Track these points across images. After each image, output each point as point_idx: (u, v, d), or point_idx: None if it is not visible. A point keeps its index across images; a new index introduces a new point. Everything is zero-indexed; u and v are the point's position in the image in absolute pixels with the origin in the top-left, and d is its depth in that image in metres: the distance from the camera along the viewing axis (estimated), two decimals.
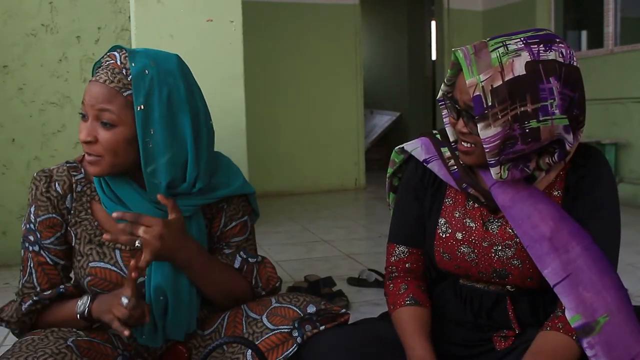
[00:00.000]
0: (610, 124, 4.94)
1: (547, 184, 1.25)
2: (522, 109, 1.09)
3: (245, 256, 1.43)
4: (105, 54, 1.30)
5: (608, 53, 5.07)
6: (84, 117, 1.28)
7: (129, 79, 1.24)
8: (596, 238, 1.19)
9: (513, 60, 1.09)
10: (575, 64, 1.13)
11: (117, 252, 1.34)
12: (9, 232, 3.27)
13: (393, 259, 1.39)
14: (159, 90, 1.25)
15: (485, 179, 1.25)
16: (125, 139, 1.25)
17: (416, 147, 1.35)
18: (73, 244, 1.36)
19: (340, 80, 6.05)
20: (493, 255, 1.25)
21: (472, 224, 1.28)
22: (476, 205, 1.28)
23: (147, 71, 1.24)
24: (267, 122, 5.67)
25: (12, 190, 3.24)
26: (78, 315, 1.30)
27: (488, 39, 1.15)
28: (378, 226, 4.16)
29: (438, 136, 1.35)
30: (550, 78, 1.09)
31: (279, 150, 5.82)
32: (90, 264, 1.34)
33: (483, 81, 1.09)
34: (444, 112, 1.26)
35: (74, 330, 1.32)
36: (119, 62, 1.26)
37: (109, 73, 1.25)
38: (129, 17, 3.31)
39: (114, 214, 1.24)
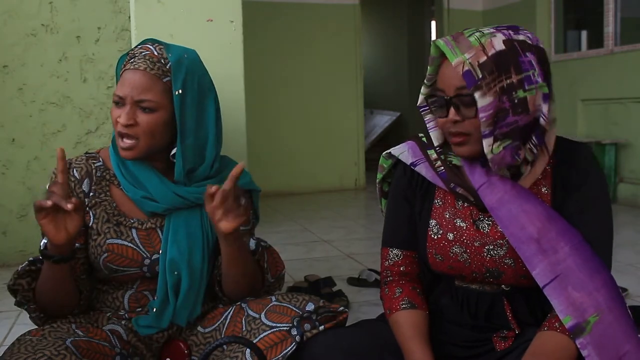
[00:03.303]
0: (610, 124, 4.94)
1: (534, 179, 1.25)
2: (508, 81, 1.13)
3: (257, 239, 1.49)
4: (136, 46, 1.40)
5: (608, 53, 5.07)
6: (118, 103, 1.36)
7: (168, 67, 1.36)
8: (589, 235, 1.19)
9: (491, 40, 1.15)
10: (542, 46, 1.20)
11: (134, 230, 1.42)
12: (9, 232, 3.27)
13: (387, 263, 1.39)
14: (192, 78, 1.38)
15: (472, 180, 1.25)
16: (164, 121, 1.36)
17: (403, 151, 1.36)
18: (90, 224, 1.41)
19: (340, 80, 6.04)
20: (485, 254, 1.25)
21: (462, 224, 1.28)
22: (466, 204, 1.29)
23: (182, 60, 1.38)
24: (267, 122, 5.67)
25: (12, 190, 3.24)
26: (42, 255, 1.29)
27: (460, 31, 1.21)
28: (378, 226, 4.15)
29: (424, 139, 1.36)
30: (527, 53, 1.16)
31: (279, 150, 5.82)
32: (108, 241, 1.39)
33: (469, 58, 1.13)
34: (427, 117, 1.28)
35: (73, 329, 1.33)
36: (155, 53, 1.37)
37: (148, 62, 1.36)
38: (129, 17, 3.30)
39: (211, 189, 1.26)
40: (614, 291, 1.14)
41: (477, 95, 1.12)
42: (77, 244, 1.39)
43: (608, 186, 1.27)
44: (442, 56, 1.20)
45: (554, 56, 5.73)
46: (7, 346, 1.27)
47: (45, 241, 1.28)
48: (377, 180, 1.47)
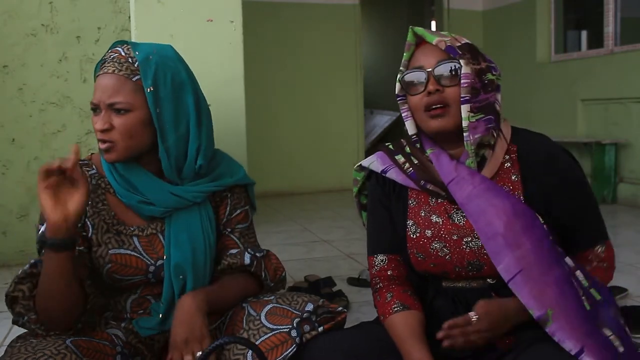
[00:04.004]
0: (610, 124, 4.94)
1: (497, 165, 1.29)
2: (478, 66, 1.27)
3: (253, 252, 1.48)
4: (107, 51, 1.38)
5: (608, 53, 5.07)
6: (95, 110, 1.34)
7: (136, 66, 1.34)
8: (578, 210, 1.29)
9: (459, 36, 1.31)
10: None
11: (135, 238, 1.40)
12: (9, 232, 3.27)
13: (374, 270, 1.41)
14: (163, 73, 1.35)
15: (442, 175, 1.29)
16: (140, 121, 1.33)
17: (373, 161, 1.42)
18: (90, 235, 1.38)
19: (340, 80, 6.05)
20: (464, 247, 1.28)
21: (438, 219, 1.31)
22: (439, 200, 1.33)
23: (150, 57, 1.35)
24: (267, 122, 5.67)
25: (12, 190, 3.24)
26: (38, 241, 1.24)
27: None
28: None
29: (391, 147, 1.42)
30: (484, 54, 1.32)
31: (279, 150, 5.82)
32: (110, 252, 1.37)
33: (448, 39, 1.27)
34: (404, 107, 1.36)
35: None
36: (123, 54, 1.35)
37: (116, 64, 1.34)
38: (129, 17, 3.31)
39: None
40: (565, 287, 1.19)
41: (462, 62, 1.24)
42: (80, 247, 1.36)
43: (579, 163, 1.37)
44: (418, 43, 1.32)
45: (554, 56, 5.73)
46: (7, 346, 1.27)
47: (44, 229, 1.23)
48: (354, 194, 1.51)
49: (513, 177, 1.30)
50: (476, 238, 1.27)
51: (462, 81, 1.23)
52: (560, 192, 1.28)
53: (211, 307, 1.36)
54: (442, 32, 1.32)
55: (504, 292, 1.28)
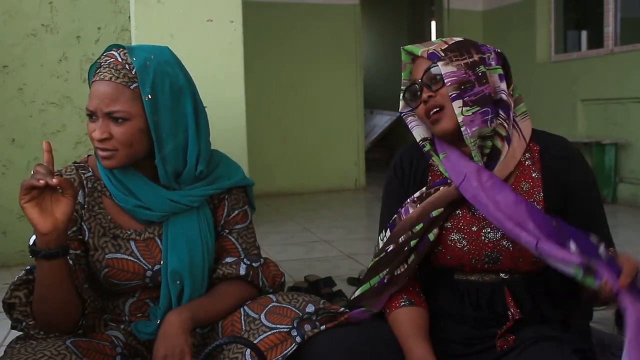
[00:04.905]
0: (610, 124, 4.94)
1: (515, 162, 1.30)
2: (471, 59, 1.30)
3: (249, 262, 1.46)
4: (102, 54, 1.34)
5: (608, 53, 5.07)
6: (91, 117, 1.31)
7: (133, 73, 1.30)
8: (588, 213, 1.29)
9: (452, 37, 1.35)
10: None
11: (132, 242, 1.38)
12: (9, 232, 3.27)
13: None
14: (161, 80, 1.31)
15: (453, 178, 1.30)
16: (139, 130, 1.31)
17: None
18: (86, 239, 1.37)
19: (340, 80, 6.05)
20: (483, 238, 1.29)
21: (458, 212, 1.33)
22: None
23: (148, 63, 1.31)
24: (267, 122, 5.67)
25: (12, 190, 3.24)
26: (30, 252, 1.20)
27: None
28: (378, 226, 4.15)
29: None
30: (483, 47, 1.35)
31: (279, 150, 5.82)
32: (107, 256, 1.36)
33: (433, 46, 1.31)
34: (409, 119, 1.41)
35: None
36: (119, 59, 1.31)
37: (113, 70, 1.30)
38: (129, 17, 3.31)
39: None
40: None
41: (440, 64, 1.27)
42: (76, 251, 1.35)
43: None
44: (412, 61, 1.36)
45: (554, 56, 5.73)
46: (7, 347, 1.27)
47: (34, 239, 1.21)
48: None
49: (534, 175, 1.31)
50: (495, 229, 1.28)
51: (445, 80, 1.27)
52: (576, 193, 1.29)
53: (201, 322, 1.36)
54: (435, 40, 1.36)
55: (517, 287, 1.30)
